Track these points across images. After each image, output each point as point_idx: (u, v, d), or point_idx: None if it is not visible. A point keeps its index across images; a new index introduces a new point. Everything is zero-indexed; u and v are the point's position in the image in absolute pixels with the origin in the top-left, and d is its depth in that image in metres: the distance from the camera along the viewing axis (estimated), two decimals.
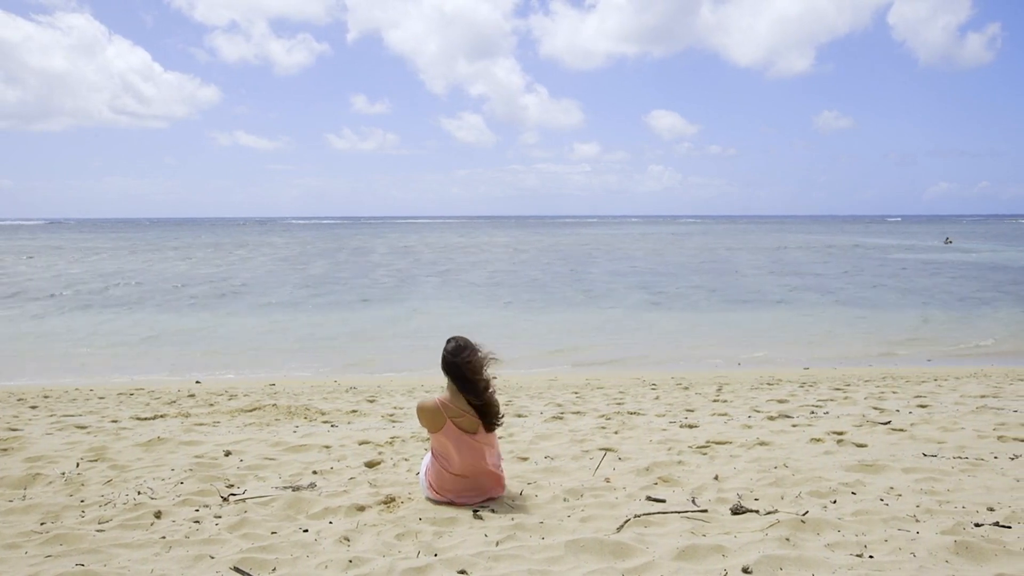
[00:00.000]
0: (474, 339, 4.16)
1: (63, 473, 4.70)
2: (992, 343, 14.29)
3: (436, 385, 9.49)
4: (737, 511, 3.81)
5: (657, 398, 8.40)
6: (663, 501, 4.03)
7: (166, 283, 27.06)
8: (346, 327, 17.29)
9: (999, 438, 5.47)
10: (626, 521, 3.69)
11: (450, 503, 4.05)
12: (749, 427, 6.18)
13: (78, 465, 4.93)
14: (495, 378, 4.16)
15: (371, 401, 8.40)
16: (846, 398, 7.97)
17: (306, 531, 3.65)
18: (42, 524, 3.76)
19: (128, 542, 3.48)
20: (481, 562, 3.20)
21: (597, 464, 4.85)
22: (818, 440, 5.55)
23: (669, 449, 5.33)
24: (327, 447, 5.51)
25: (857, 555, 3.19)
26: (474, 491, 4.07)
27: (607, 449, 5.31)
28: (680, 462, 4.88)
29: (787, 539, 3.35)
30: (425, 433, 5.28)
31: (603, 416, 6.98)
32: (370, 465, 5.01)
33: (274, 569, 3.17)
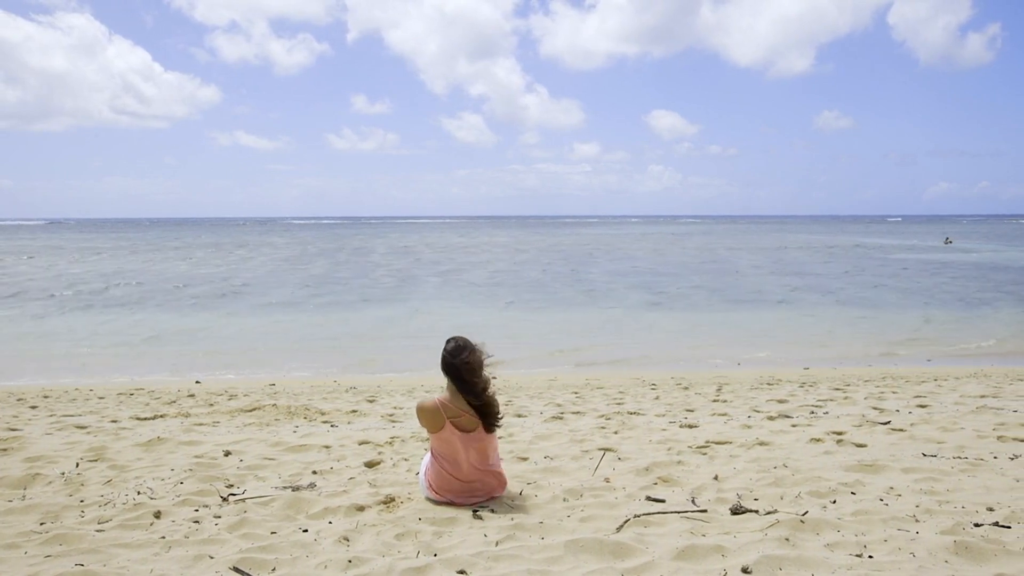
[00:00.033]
0: (474, 339, 4.16)
1: (63, 473, 4.70)
2: (994, 343, 14.28)
3: (436, 385, 9.49)
4: (737, 511, 3.81)
5: (657, 398, 8.40)
6: (663, 501, 4.03)
7: (167, 283, 27.07)
8: (346, 327, 17.30)
9: (999, 438, 5.47)
10: (626, 521, 3.69)
11: (450, 503, 4.05)
12: (749, 427, 6.18)
13: (78, 465, 4.94)
14: (495, 378, 4.16)
15: (371, 401, 8.41)
16: (846, 398, 7.97)
17: (306, 531, 3.66)
18: (42, 524, 3.76)
19: (128, 542, 3.48)
20: (481, 562, 3.20)
21: (597, 464, 4.85)
22: (818, 440, 5.54)
23: (669, 449, 5.33)
24: (327, 447, 5.52)
25: (857, 555, 3.19)
26: (474, 491, 4.07)
27: (607, 449, 5.31)
28: (680, 462, 4.88)
29: (787, 539, 3.35)
30: (425, 433, 5.28)
31: (603, 416, 6.98)
32: (370, 465, 5.01)
33: (273, 569, 3.17)
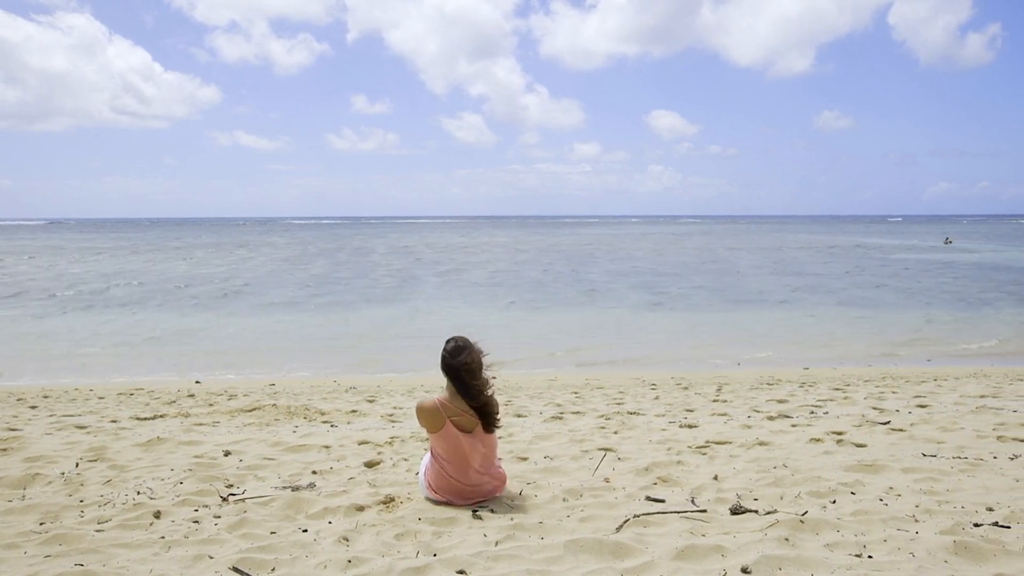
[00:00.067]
0: (474, 339, 4.16)
1: (62, 473, 4.70)
2: (996, 343, 14.27)
3: (437, 385, 9.49)
4: (736, 511, 3.81)
5: (657, 398, 8.40)
6: (662, 501, 4.03)
7: (167, 283, 27.08)
8: (347, 327, 17.30)
9: (998, 438, 5.47)
10: (625, 521, 3.69)
11: (449, 503, 4.05)
12: (749, 427, 6.18)
13: (77, 465, 4.94)
14: (494, 378, 4.16)
15: (371, 401, 8.41)
16: (846, 398, 7.96)
17: (305, 531, 3.66)
18: (41, 524, 3.76)
19: (127, 542, 3.49)
20: (480, 562, 3.20)
21: (596, 464, 4.85)
22: (817, 440, 5.54)
23: (668, 449, 5.33)
24: (327, 447, 5.52)
25: (856, 555, 3.19)
26: (473, 491, 4.07)
27: (606, 449, 5.31)
28: (679, 462, 4.88)
29: (786, 539, 3.35)
30: (424, 433, 5.28)
31: (603, 416, 6.98)
32: (369, 465, 5.01)
33: (273, 569, 3.17)
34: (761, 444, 5.45)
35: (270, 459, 5.14)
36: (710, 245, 56.91)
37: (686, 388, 9.33)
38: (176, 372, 12.10)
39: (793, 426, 6.19)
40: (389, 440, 5.75)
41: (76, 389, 9.96)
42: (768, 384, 9.67)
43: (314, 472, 4.80)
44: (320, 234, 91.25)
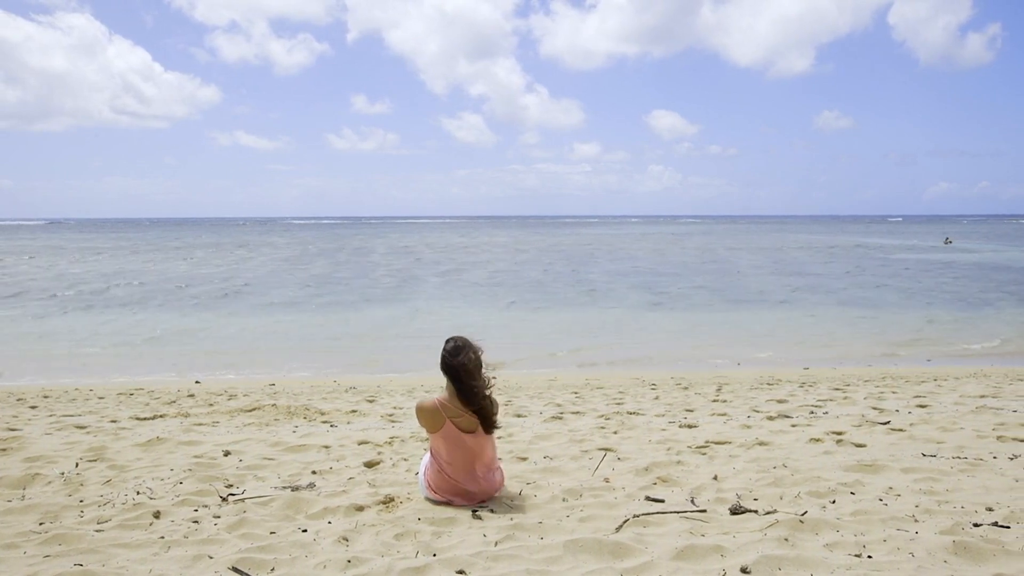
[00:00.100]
0: (474, 340, 4.16)
1: (62, 473, 4.70)
2: (999, 343, 14.25)
3: (437, 385, 9.49)
4: (736, 511, 3.81)
5: (657, 398, 8.39)
6: (662, 501, 4.03)
7: (168, 283, 27.09)
8: (347, 327, 17.30)
9: (998, 438, 5.47)
10: (625, 521, 3.69)
11: (449, 503, 4.05)
12: (748, 427, 6.18)
13: (77, 465, 4.94)
14: (494, 378, 4.16)
15: (370, 401, 8.41)
16: (845, 398, 7.96)
17: (305, 531, 3.66)
18: (41, 524, 3.76)
19: (127, 542, 3.49)
20: (480, 562, 3.20)
21: (596, 464, 4.85)
22: (817, 440, 5.54)
23: (668, 449, 5.33)
24: (326, 447, 5.52)
25: (856, 555, 3.19)
26: (473, 491, 4.07)
27: (606, 449, 5.31)
28: (679, 462, 4.88)
29: (786, 539, 3.35)
30: (424, 433, 5.28)
31: (602, 416, 6.97)
32: (369, 465, 5.01)
33: (273, 569, 3.17)
34: (761, 444, 5.45)
35: (270, 459, 5.14)
36: (710, 245, 56.91)
37: (686, 388, 9.33)
38: (176, 372, 12.11)
39: (793, 426, 6.19)
40: (389, 440, 5.75)
41: (76, 389, 9.97)
42: (768, 384, 9.67)
43: (314, 472, 4.80)
44: (320, 234, 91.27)
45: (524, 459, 5.07)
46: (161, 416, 7.34)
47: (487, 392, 4.07)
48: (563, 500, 4.11)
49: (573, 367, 12.51)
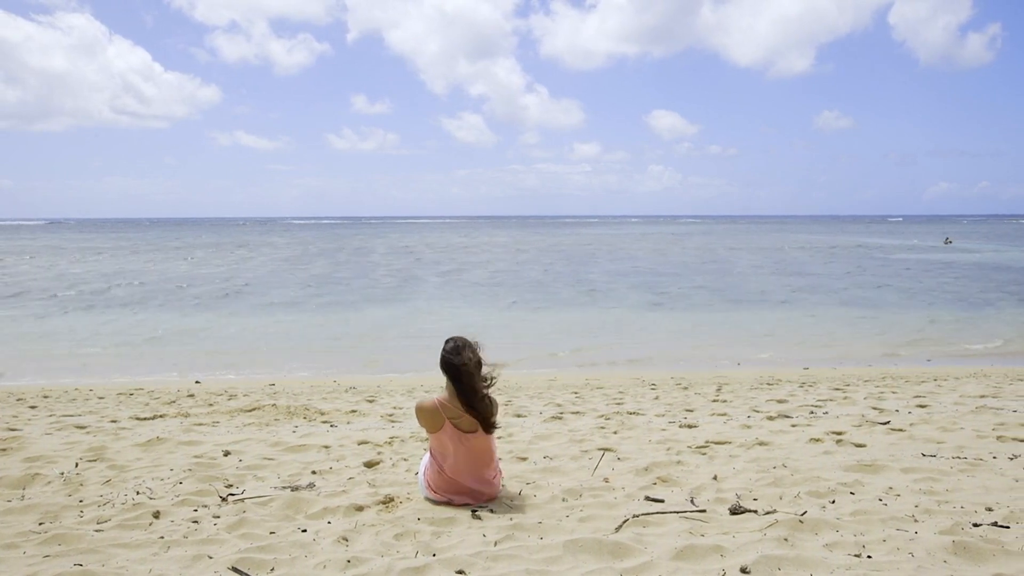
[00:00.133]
0: (475, 340, 4.16)
1: (62, 473, 4.70)
2: (1001, 344, 14.24)
3: (437, 385, 9.49)
4: (736, 511, 3.81)
5: (656, 398, 8.39)
6: (662, 501, 4.03)
7: (168, 283, 27.09)
8: (347, 327, 17.30)
9: (998, 438, 5.47)
10: (625, 521, 3.69)
11: (448, 503, 4.05)
12: (748, 427, 6.18)
13: (77, 465, 4.94)
14: (495, 379, 4.16)
15: (370, 401, 8.41)
16: (845, 398, 7.96)
17: (305, 531, 3.66)
18: (40, 524, 3.76)
19: (126, 542, 3.49)
20: (479, 562, 3.20)
21: (596, 464, 4.85)
22: (817, 440, 5.54)
23: (668, 449, 5.33)
24: (326, 447, 5.52)
25: (855, 555, 3.19)
26: (472, 491, 4.07)
27: (606, 449, 5.31)
28: (679, 462, 4.88)
29: (785, 539, 3.35)
30: (424, 433, 5.28)
31: (602, 416, 6.97)
32: (369, 465, 5.01)
33: (272, 569, 3.17)
34: (761, 444, 5.45)
35: (270, 459, 5.14)
36: (710, 245, 56.90)
37: (686, 388, 9.33)
38: (177, 372, 12.11)
39: (793, 426, 6.19)
40: (389, 440, 5.75)
41: (76, 389, 9.97)
42: (768, 384, 9.67)
43: (314, 472, 4.80)
44: (320, 234, 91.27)
45: (524, 459, 5.07)
46: (161, 416, 7.34)
47: (487, 392, 4.08)
48: (563, 500, 4.11)
49: (573, 367, 12.51)
